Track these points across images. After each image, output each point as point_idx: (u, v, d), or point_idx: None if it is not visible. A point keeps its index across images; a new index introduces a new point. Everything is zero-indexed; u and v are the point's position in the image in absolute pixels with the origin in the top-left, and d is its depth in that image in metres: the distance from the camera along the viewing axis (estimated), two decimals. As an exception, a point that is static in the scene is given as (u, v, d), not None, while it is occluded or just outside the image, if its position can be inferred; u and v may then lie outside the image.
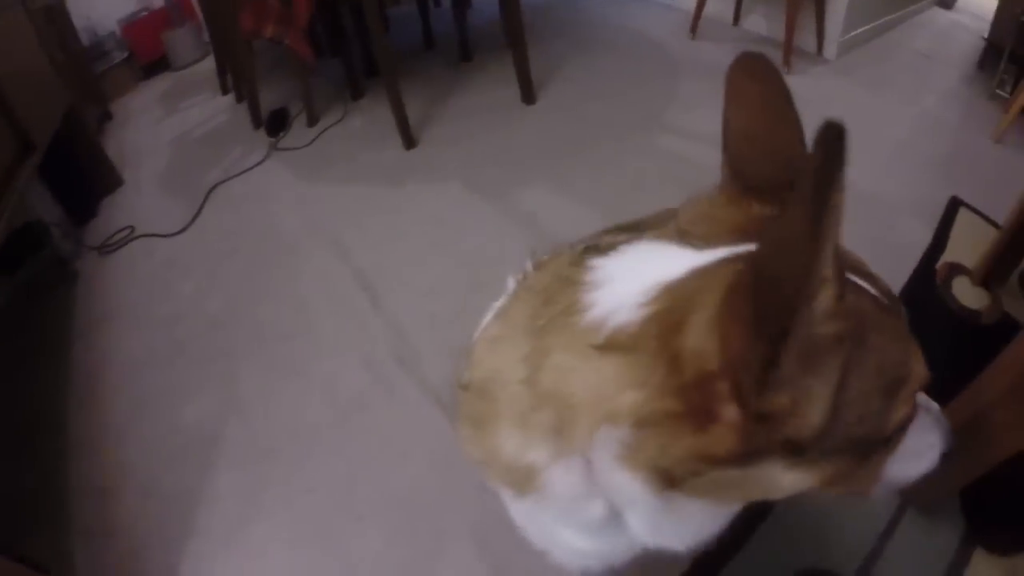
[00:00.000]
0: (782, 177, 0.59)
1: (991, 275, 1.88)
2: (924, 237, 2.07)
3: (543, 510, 0.68)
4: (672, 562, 0.73)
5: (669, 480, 0.53)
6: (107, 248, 2.31)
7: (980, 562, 1.28)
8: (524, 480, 0.64)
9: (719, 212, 0.63)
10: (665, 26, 3.89)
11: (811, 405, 0.48)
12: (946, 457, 0.67)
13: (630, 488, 0.55)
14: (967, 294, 1.88)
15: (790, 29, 3.15)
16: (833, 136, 0.37)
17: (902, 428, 0.57)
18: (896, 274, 1.87)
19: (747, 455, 0.49)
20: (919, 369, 0.56)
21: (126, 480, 1.53)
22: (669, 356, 0.50)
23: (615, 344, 0.53)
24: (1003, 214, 1.83)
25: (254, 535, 1.40)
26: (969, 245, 2.04)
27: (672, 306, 0.52)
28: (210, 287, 2.10)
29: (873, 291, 0.56)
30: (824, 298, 0.43)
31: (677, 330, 0.50)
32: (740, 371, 0.46)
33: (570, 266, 0.64)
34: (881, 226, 2.08)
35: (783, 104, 0.61)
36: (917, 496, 1.34)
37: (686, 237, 0.60)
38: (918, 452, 0.64)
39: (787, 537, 1.31)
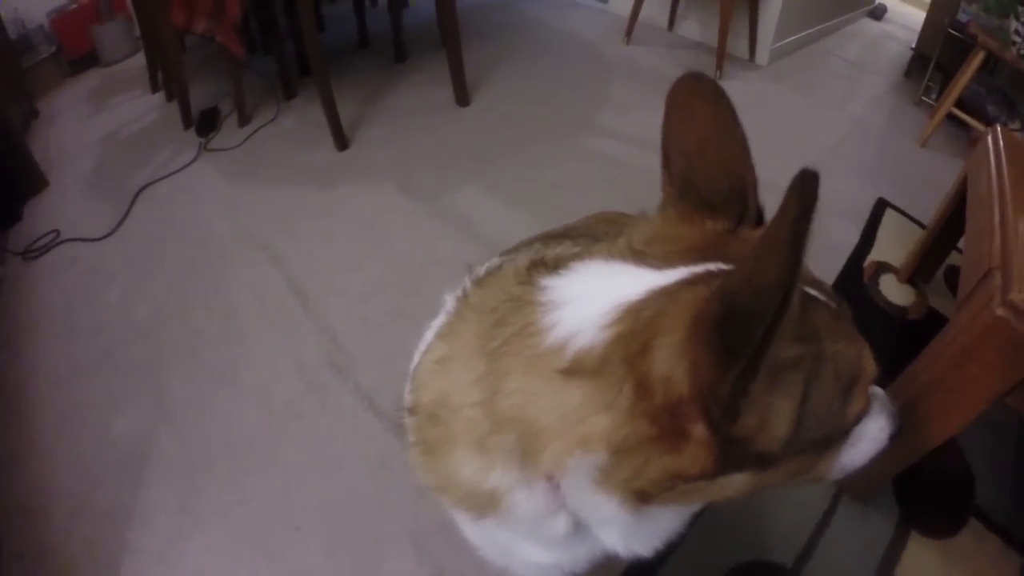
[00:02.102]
0: (734, 192, 0.60)
1: (917, 272, 1.99)
2: (852, 237, 2.17)
3: (503, 530, 0.67)
4: (610, 562, 0.75)
5: (644, 498, 0.55)
6: (31, 253, 2.24)
7: (916, 546, 1.35)
8: (486, 504, 0.63)
9: (672, 231, 0.63)
10: (600, 30, 3.95)
11: (777, 421, 0.51)
12: (895, 437, 0.70)
13: (605, 508, 0.56)
14: (894, 291, 1.98)
15: (723, 35, 3.23)
16: (809, 186, 0.39)
17: (858, 420, 0.61)
18: (825, 273, 1.94)
19: (720, 471, 0.52)
20: (870, 365, 0.59)
21: (56, 498, 1.50)
22: (637, 380, 0.50)
23: (580, 368, 0.53)
24: (929, 214, 1.93)
25: (190, 550, 1.38)
26: (896, 244, 2.16)
27: (636, 328, 0.52)
28: (138, 293, 2.06)
29: (823, 298, 0.58)
30: (789, 326, 0.46)
31: (643, 353, 0.50)
32: (710, 397, 0.47)
33: (519, 284, 0.64)
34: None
35: (731, 122, 0.62)
36: (851, 486, 1.40)
37: (642, 257, 0.60)
38: (870, 437, 0.67)
39: (724, 531, 1.35)
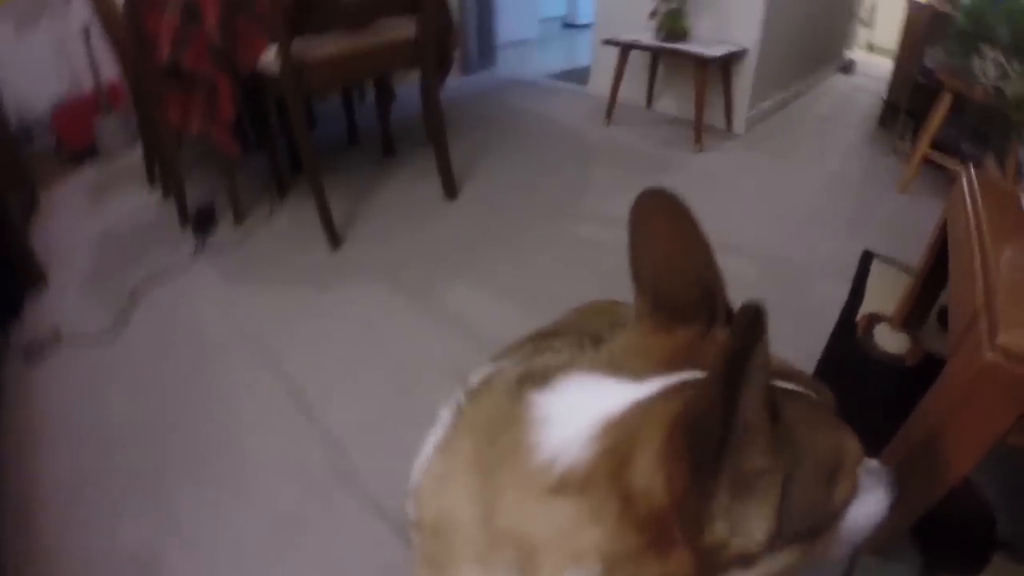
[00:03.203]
0: (703, 297, 0.64)
1: (910, 317, 2.00)
2: (842, 293, 2.22)
3: None
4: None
5: None
6: (32, 354, 2.29)
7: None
8: None
9: (648, 341, 0.65)
10: (581, 113, 4.09)
11: (753, 525, 0.52)
12: (894, 505, 0.68)
13: None
14: (889, 340, 2.00)
15: (699, 109, 3.37)
16: (749, 323, 0.42)
17: (847, 503, 0.60)
18: (818, 333, 2.01)
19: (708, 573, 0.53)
20: (853, 448, 0.60)
21: (64, 611, 1.51)
22: (622, 493, 0.52)
23: (568, 485, 0.55)
24: (915, 259, 1.96)
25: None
26: (886, 294, 2.19)
27: (618, 443, 0.54)
28: (139, 397, 2.09)
29: (801, 389, 0.60)
30: (756, 439, 0.49)
31: (625, 467, 0.53)
32: (683, 507, 0.50)
33: (509, 401, 0.66)
34: (798, 289, 2.22)
35: (693, 230, 0.65)
36: (867, 545, 1.39)
37: (621, 369, 0.62)
38: (866, 513, 0.65)
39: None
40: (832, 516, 0.59)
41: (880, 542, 1.37)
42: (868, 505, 0.65)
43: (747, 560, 0.54)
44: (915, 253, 2.01)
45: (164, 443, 1.93)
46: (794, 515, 0.54)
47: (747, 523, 0.52)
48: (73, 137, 3.80)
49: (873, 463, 0.68)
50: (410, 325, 2.33)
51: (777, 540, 0.54)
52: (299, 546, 1.61)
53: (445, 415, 0.75)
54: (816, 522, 0.57)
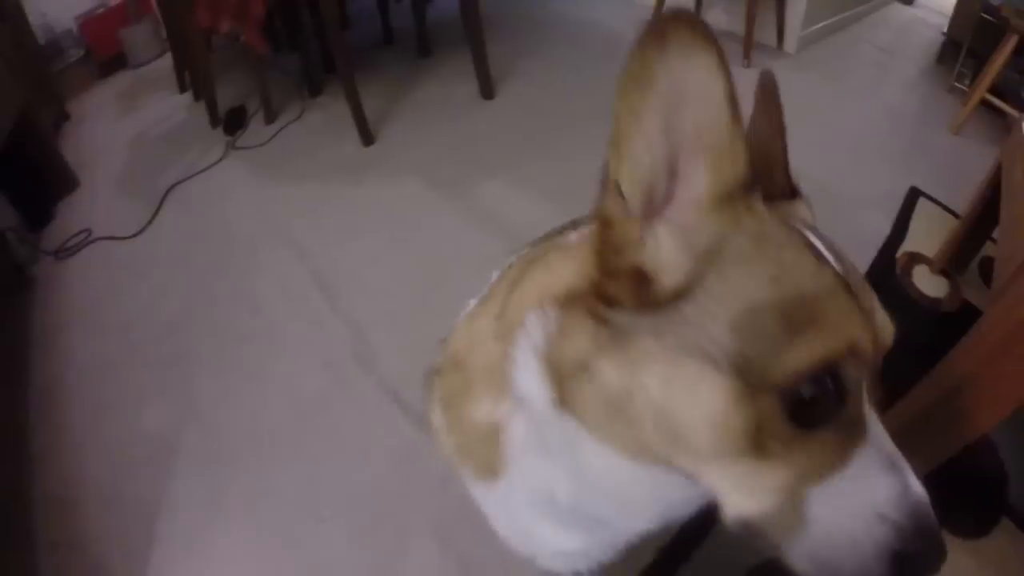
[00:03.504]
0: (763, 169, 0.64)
1: (951, 263, 1.93)
2: (884, 227, 2.12)
3: (514, 499, 0.69)
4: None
5: (560, 380, 0.56)
6: (64, 252, 2.29)
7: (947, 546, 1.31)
8: (490, 451, 0.66)
9: None
10: (625, 21, 3.90)
11: (664, 241, 0.50)
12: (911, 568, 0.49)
13: (538, 392, 0.57)
14: (927, 282, 1.93)
15: (750, 23, 3.18)
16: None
17: (797, 380, 0.47)
18: (858, 265, 1.91)
19: (637, 292, 0.50)
20: (850, 330, 0.49)
21: (88, 490, 1.53)
22: (601, 219, 0.52)
23: (572, 247, 0.61)
24: (962, 204, 1.89)
25: (217, 541, 1.40)
26: (929, 234, 2.09)
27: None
28: (167, 290, 2.09)
29: (820, 248, 0.54)
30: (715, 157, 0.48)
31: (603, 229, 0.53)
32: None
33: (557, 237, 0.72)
34: (841, 217, 2.11)
35: (777, 104, 0.68)
36: None
37: None
38: (852, 502, 0.49)
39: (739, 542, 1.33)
40: (778, 378, 0.47)
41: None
42: (856, 493, 0.49)
43: (656, 303, 0.50)
44: (961, 196, 1.95)
45: (189, 333, 1.92)
46: (730, 302, 0.48)
47: (664, 254, 0.50)
48: (102, 47, 3.75)
49: (886, 443, 0.52)
50: (442, 222, 2.26)
51: (704, 316, 0.48)
52: (317, 430, 1.60)
53: (493, 276, 0.79)
54: (759, 356, 0.47)
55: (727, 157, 0.48)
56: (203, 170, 2.68)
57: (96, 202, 2.61)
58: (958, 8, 3.50)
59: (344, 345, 1.81)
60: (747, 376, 0.47)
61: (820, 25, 3.66)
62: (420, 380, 0.80)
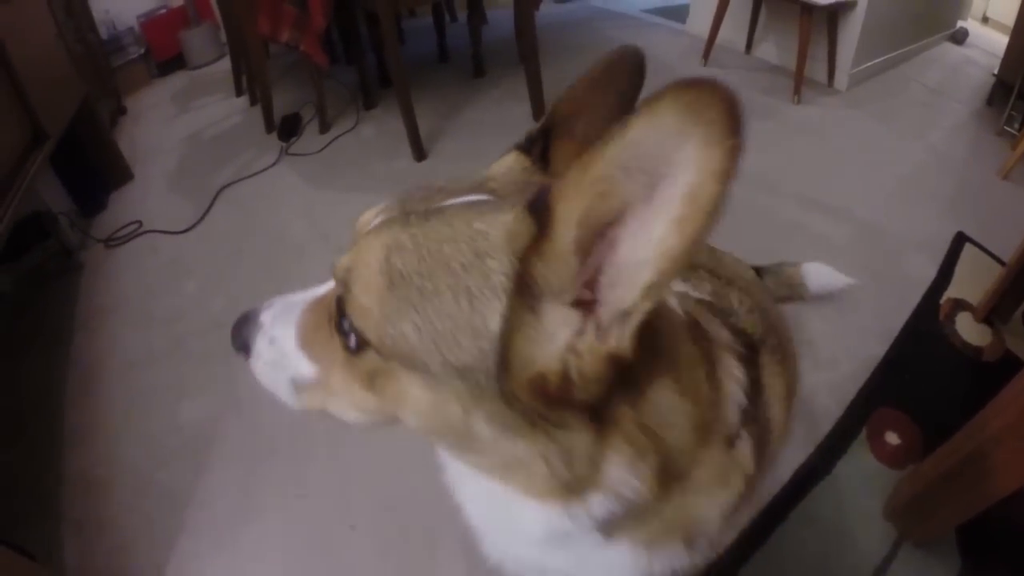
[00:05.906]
0: None
1: (995, 312, 1.88)
2: (929, 272, 2.07)
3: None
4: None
5: None
6: (113, 241, 2.32)
7: None
8: None
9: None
10: (677, 51, 3.91)
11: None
12: None
13: None
14: (970, 330, 1.88)
15: (802, 58, 3.16)
16: None
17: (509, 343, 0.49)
18: (900, 308, 1.88)
19: None
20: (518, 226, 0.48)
21: (120, 474, 1.53)
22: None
23: None
24: (1008, 251, 1.83)
25: (245, 538, 1.39)
26: (974, 281, 2.04)
27: None
28: (214, 287, 2.10)
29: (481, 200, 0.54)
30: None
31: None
32: None
33: None
34: (886, 260, 2.09)
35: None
36: (912, 531, 1.33)
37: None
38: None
39: (781, 570, 1.30)
40: (493, 355, 0.48)
41: (925, 533, 1.32)
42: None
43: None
44: (1008, 243, 1.87)
45: (233, 330, 1.90)
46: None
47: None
48: (161, 47, 3.84)
49: None
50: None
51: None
52: (355, 436, 1.53)
53: None
54: (456, 336, 0.48)
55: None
56: (256, 173, 2.71)
57: (148, 196, 2.64)
58: (1010, 48, 3.43)
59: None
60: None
61: (871, 63, 3.63)
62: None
